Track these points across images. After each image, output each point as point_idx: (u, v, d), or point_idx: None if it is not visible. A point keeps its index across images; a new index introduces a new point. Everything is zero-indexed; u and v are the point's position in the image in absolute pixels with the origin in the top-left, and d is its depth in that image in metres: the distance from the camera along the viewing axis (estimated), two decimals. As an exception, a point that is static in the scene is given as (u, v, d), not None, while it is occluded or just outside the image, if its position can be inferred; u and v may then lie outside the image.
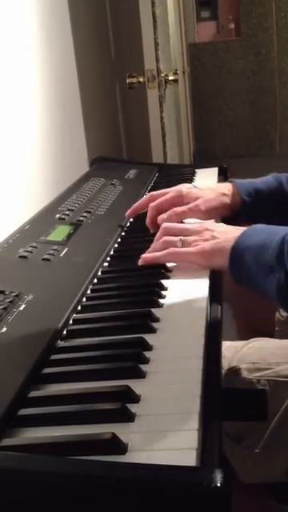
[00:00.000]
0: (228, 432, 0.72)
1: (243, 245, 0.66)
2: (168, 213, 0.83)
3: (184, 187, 0.88)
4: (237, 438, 0.72)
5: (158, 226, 0.80)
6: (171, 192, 0.88)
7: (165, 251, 0.73)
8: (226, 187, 0.88)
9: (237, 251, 0.67)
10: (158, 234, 0.77)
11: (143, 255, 0.75)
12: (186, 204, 0.85)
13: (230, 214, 0.87)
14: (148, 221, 0.88)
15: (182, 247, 0.73)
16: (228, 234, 0.70)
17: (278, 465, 0.71)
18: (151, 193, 0.91)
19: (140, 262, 0.74)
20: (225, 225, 0.75)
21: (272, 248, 0.63)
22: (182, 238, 0.74)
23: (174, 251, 0.73)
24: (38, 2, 1.34)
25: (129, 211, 0.93)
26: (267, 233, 0.67)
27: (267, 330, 0.88)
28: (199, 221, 0.83)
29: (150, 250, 0.76)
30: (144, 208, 0.90)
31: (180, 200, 0.86)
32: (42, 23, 1.36)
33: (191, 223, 0.80)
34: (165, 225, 0.78)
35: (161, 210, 0.85)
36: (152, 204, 0.87)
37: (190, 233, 0.74)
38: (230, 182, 0.90)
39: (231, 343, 0.78)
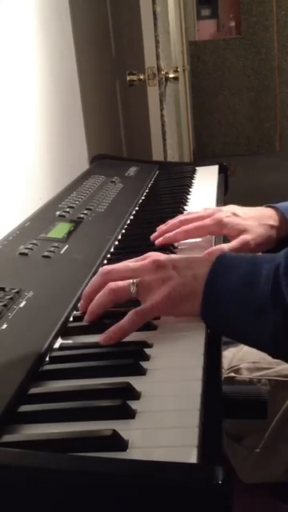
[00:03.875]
0: (228, 431, 0.72)
1: (218, 285, 0.54)
2: (213, 250, 0.69)
3: (223, 214, 0.75)
4: (237, 437, 0.72)
5: None
6: (209, 219, 0.75)
7: (126, 320, 0.55)
8: (272, 217, 0.76)
9: (211, 294, 0.54)
10: (97, 279, 0.60)
11: (101, 338, 0.55)
12: (225, 235, 0.75)
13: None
14: (173, 239, 0.76)
15: (137, 294, 0.57)
16: (193, 269, 0.56)
17: (279, 464, 0.71)
18: (183, 217, 0.78)
19: (103, 343, 0.55)
20: (179, 256, 0.62)
21: (262, 284, 0.52)
22: (134, 281, 0.57)
23: (139, 313, 0.55)
24: (39, 0, 1.33)
25: (159, 238, 0.77)
26: (247, 264, 0.55)
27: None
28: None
29: (93, 303, 0.59)
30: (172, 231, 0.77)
31: (217, 229, 0.74)
32: (42, 21, 1.36)
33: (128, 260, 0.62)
34: (103, 269, 0.61)
35: (192, 237, 0.75)
36: (184, 228, 0.75)
37: (141, 272, 0.58)
38: (271, 207, 0.78)
39: (231, 342, 0.78)
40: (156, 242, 0.77)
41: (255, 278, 0.53)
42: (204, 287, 0.54)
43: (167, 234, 0.77)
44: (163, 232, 0.78)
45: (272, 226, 0.76)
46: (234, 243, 0.73)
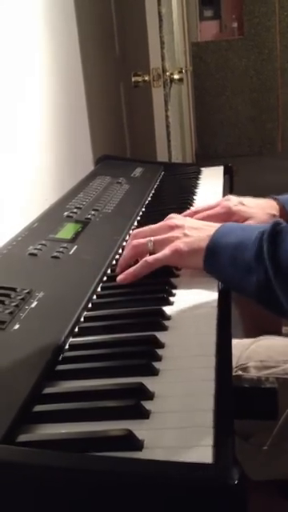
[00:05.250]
0: (236, 429, 0.72)
1: (219, 244, 0.65)
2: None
3: (231, 203, 0.83)
4: (245, 435, 0.72)
5: None
6: (219, 207, 0.83)
7: (138, 264, 0.70)
8: (274, 207, 0.84)
9: (212, 251, 0.65)
10: (128, 241, 0.75)
11: (118, 277, 0.70)
12: (234, 221, 0.80)
13: None
14: None
15: (153, 249, 0.70)
16: (200, 231, 0.69)
17: (287, 462, 0.71)
18: (195, 208, 0.86)
19: (119, 282, 0.70)
20: (193, 220, 0.73)
21: (250, 247, 0.62)
22: (151, 239, 0.71)
23: (149, 260, 0.69)
24: (45, 1, 1.34)
25: None
26: (242, 231, 0.66)
27: (274, 329, 0.88)
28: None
29: (121, 258, 0.74)
30: None
31: (227, 217, 0.81)
32: (48, 22, 1.36)
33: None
34: (133, 231, 0.76)
35: None
36: (198, 216, 0.82)
37: (158, 231, 0.72)
38: (273, 198, 0.86)
39: (239, 341, 0.79)
40: (118, 281, 0.84)
41: (246, 241, 0.63)
42: (207, 244, 0.66)
43: (126, 274, 0.81)
44: None
45: (274, 216, 0.83)
46: None
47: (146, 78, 1.70)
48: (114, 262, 0.80)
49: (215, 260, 0.65)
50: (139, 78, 1.70)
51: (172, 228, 0.71)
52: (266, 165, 4.53)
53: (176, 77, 1.78)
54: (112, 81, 2.09)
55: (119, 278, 0.70)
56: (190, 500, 0.37)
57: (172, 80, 1.79)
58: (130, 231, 0.92)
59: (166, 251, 0.69)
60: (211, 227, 0.69)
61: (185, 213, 0.85)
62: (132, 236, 0.74)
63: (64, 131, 1.44)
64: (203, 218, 0.81)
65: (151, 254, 0.70)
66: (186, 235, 0.69)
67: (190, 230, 0.69)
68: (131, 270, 0.70)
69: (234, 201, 0.84)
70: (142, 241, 0.71)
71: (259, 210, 0.83)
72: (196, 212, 0.84)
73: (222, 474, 0.37)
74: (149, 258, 0.69)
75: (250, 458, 0.72)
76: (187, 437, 0.43)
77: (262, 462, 0.72)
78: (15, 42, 1.14)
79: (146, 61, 1.73)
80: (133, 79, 1.70)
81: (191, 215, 0.83)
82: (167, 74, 1.73)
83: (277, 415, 0.55)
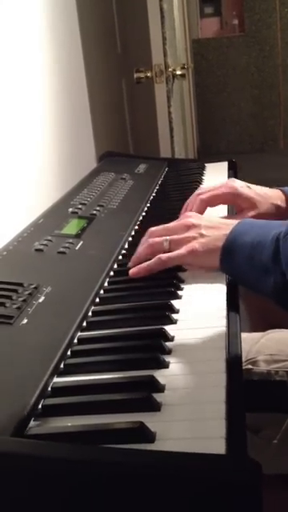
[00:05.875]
0: (246, 423, 0.72)
1: (235, 244, 0.64)
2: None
3: (238, 184, 0.82)
4: (254, 428, 0.72)
5: None
6: (224, 187, 0.82)
7: (152, 260, 0.69)
8: (279, 197, 0.83)
9: (228, 251, 0.64)
10: (143, 238, 0.74)
11: (131, 270, 0.70)
12: (238, 204, 0.81)
13: None
14: (195, 211, 0.80)
15: (169, 248, 0.70)
16: (217, 229, 0.68)
17: (296, 456, 0.71)
18: (199, 190, 0.84)
19: (131, 275, 0.70)
20: (210, 217, 0.71)
21: (267, 247, 0.60)
22: (167, 238, 0.70)
23: (164, 258, 0.69)
24: (47, -3, 1.34)
25: (182, 211, 0.84)
26: (259, 229, 0.64)
27: (281, 323, 0.88)
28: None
29: (135, 255, 0.73)
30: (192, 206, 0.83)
31: (232, 198, 0.81)
32: (49, 19, 1.36)
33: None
34: (149, 230, 0.74)
35: (210, 205, 0.81)
36: (202, 197, 0.81)
37: (174, 230, 0.71)
38: (280, 189, 0.84)
39: (248, 335, 0.78)
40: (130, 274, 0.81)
41: (263, 240, 0.61)
42: (223, 244, 0.65)
43: (186, 206, 0.84)
44: (185, 208, 0.84)
45: (278, 207, 0.81)
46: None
47: (149, 74, 1.70)
48: (120, 257, 0.80)
49: (231, 260, 0.64)
50: (141, 74, 1.69)
51: (188, 227, 0.70)
52: (268, 162, 4.51)
53: (178, 72, 1.77)
54: (114, 77, 2.08)
55: (132, 271, 0.70)
56: (205, 491, 0.36)
57: (174, 76, 1.78)
58: (136, 227, 0.92)
59: (182, 251, 0.68)
60: (228, 225, 0.67)
61: (189, 199, 0.84)
62: (148, 234, 0.74)
63: (67, 128, 1.43)
64: (208, 198, 0.80)
65: (166, 253, 0.70)
66: (202, 235, 0.68)
67: (206, 229, 0.68)
68: (145, 264, 0.69)
69: (240, 183, 0.83)
70: (157, 240, 0.70)
71: (264, 198, 0.82)
72: (199, 194, 0.82)
73: (236, 465, 0.37)
74: (163, 255, 0.69)
75: (260, 451, 0.71)
76: (199, 429, 0.43)
77: (271, 455, 0.72)
78: (16, 40, 1.13)
79: (148, 57, 1.72)
80: (135, 75, 1.70)
81: (194, 198, 0.82)
82: (169, 69, 1.72)
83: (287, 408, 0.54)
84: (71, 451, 0.39)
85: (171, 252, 0.69)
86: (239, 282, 0.66)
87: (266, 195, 0.83)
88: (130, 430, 0.42)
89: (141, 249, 0.73)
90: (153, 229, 0.74)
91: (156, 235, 0.72)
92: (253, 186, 0.84)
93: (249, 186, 0.83)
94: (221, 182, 0.85)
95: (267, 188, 0.85)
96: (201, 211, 0.80)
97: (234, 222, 0.67)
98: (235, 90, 4.77)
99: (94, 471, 0.38)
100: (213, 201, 0.82)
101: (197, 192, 0.84)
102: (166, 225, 0.73)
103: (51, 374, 0.50)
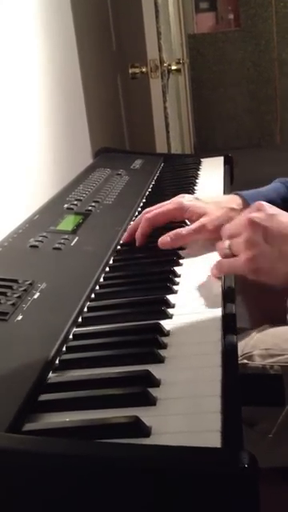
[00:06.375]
0: (242, 417, 0.72)
1: None
2: (171, 234, 0.73)
3: (185, 200, 0.78)
4: (250, 422, 0.72)
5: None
6: (169, 204, 0.78)
7: (216, 262, 0.65)
8: (234, 201, 0.80)
9: None
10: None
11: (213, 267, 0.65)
12: (186, 219, 0.78)
13: None
14: (138, 232, 0.78)
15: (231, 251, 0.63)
16: (285, 245, 0.58)
17: (292, 450, 0.71)
18: (146, 209, 0.81)
19: (213, 274, 0.65)
20: (279, 220, 0.59)
21: None
22: (228, 244, 0.63)
23: (225, 263, 0.63)
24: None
25: (125, 235, 0.82)
26: None
27: (279, 318, 0.88)
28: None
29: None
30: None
31: (179, 214, 0.77)
32: (43, 15, 1.35)
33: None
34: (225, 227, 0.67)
35: (156, 223, 0.78)
36: (147, 216, 0.78)
37: (235, 232, 0.62)
38: (235, 194, 0.82)
39: (244, 329, 0.78)
40: (122, 239, 0.81)
41: None
42: None
43: (130, 226, 0.81)
44: (131, 230, 0.81)
45: (232, 209, 0.78)
46: (190, 228, 0.75)
47: (144, 70, 1.69)
48: (115, 252, 0.80)
49: None
50: (136, 70, 1.69)
51: (250, 225, 0.60)
52: (265, 157, 4.51)
53: (174, 68, 1.77)
54: (109, 73, 2.08)
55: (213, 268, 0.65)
56: (200, 485, 0.36)
57: (170, 71, 1.78)
58: (131, 222, 0.92)
59: (242, 261, 0.60)
60: None
61: (135, 221, 0.81)
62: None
63: (62, 125, 1.43)
64: (153, 217, 0.76)
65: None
66: (262, 245, 0.58)
67: (273, 240, 0.58)
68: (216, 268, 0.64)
69: (187, 197, 0.80)
70: (221, 245, 0.64)
71: (214, 205, 0.78)
72: (147, 212, 0.79)
73: (232, 458, 0.37)
74: (223, 262, 0.63)
75: (256, 445, 0.72)
76: (195, 423, 0.43)
77: (267, 449, 0.72)
78: (11, 37, 1.13)
79: (143, 52, 1.72)
80: (130, 71, 1.69)
81: (140, 218, 0.79)
82: (165, 65, 1.71)
83: (283, 401, 0.55)
84: (67, 446, 0.39)
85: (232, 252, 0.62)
86: None
87: (216, 201, 0.80)
88: (126, 425, 0.41)
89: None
90: (226, 226, 0.65)
91: (223, 234, 0.64)
92: (204, 197, 0.81)
93: (197, 198, 0.80)
94: (217, 176, 0.84)
95: (222, 195, 0.85)
96: (146, 231, 0.78)
97: None
98: (231, 84, 4.76)
99: (90, 466, 0.38)
100: (159, 219, 0.78)
101: (144, 211, 0.81)
102: (231, 224, 0.64)
103: (46, 369, 0.50)
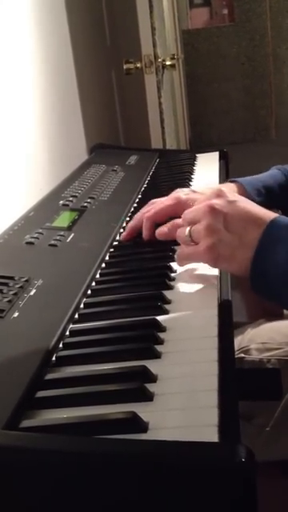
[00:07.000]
0: (239, 411, 0.72)
1: (267, 257, 0.54)
2: (168, 225, 0.71)
3: (182, 193, 0.77)
4: (247, 416, 0.72)
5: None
6: (167, 200, 0.76)
7: (178, 252, 0.66)
8: (231, 188, 0.79)
9: (260, 266, 0.55)
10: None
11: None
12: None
13: None
14: (145, 235, 0.76)
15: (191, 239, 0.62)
16: (244, 229, 0.56)
17: (290, 443, 0.72)
18: (144, 208, 0.79)
19: (178, 265, 0.67)
20: (239, 207, 0.58)
21: None
22: (189, 229, 0.61)
23: (185, 252, 0.63)
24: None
25: (124, 233, 0.80)
26: None
27: (276, 312, 0.88)
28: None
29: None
30: (140, 226, 0.78)
31: (179, 208, 0.73)
32: (37, 11, 1.35)
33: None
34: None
35: (157, 220, 0.76)
36: (147, 215, 0.76)
37: (196, 218, 0.61)
38: (233, 181, 0.81)
39: (241, 324, 0.78)
40: (122, 237, 0.80)
41: None
42: (253, 256, 0.55)
43: (130, 224, 0.80)
44: (130, 228, 0.80)
45: None
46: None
47: (138, 65, 1.69)
48: (111, 248, 0.80)
49: (263, 275, 0.55)
50: (131, 65, 1.68)
51: (211, 212, 0.58)
52: (260, 152, 4.51)
53: (168, 63, 1.76)
54: (103, 69, 2.07)
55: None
56: (198, 479, 0.37)
57: (164, 66, 1.77)
58: (127, 218, 0.92)
59: (201, 249, 0.59)
60: (255, 226, 0.56)
61: (133, 219, 0.80)
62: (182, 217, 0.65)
63: (57, 121, 1.42)
64: (153, 215, 0.75)
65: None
66: (222, 232, 0.57)
67: (233, 228, 0.56)
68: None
69: (184, 191, 0.78)
70: (182, 230, 0.63)
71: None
72: (145, 212, 0.77)
73: (229, 452, 0.37)
74: (184, 251, 0.63)
75: (253, 438, 0.72)
76: (192, 417, 0.43)
77: (264, 443, 0.72)
78: (4, 33, 1.12)
79: (138, 48, 1.71)
80: (124, 66, 1.69)
81: (140, 217, 0.77)
82: (159, 60, 1.71)
83: (281, 395, 0.55)
84: (65, 443, 0.39)
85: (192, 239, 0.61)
86: (271, 299, 0.59)
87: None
88: (123, 421, 0.42)
89: (163, 227, 0.70)
90: (187, 211, 0.64)
91: (183, 221, 0.64)
92: (199, 189, 0.79)
93: (194, 191, 0.78)
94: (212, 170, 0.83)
95: (218, 184, 0.83)
96: (151, 232, 0.75)
97: (261, 223, 0.56)
98: (226, 80, 4.76)
99: (88, 462, 0.38)
100: (158, 216, 0.76)
101: (142, 211, 0.79)
102: (191, 209, 0.63)
103: (43, 366, 0.50)
